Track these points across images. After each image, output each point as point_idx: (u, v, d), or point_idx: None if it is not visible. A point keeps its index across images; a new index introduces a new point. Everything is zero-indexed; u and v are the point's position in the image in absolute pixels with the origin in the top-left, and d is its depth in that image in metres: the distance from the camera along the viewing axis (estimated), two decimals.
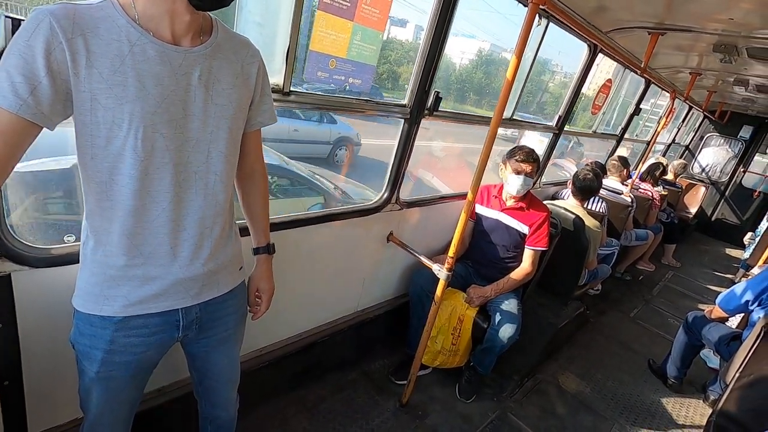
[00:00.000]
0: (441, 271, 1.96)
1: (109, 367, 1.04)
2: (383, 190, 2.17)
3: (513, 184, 2.33)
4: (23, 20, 0.90)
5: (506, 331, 2.23)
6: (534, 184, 2.42)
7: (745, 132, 7.11)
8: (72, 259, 1.18)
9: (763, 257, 4.27)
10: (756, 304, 2.34)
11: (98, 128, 0.86)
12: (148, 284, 1.02)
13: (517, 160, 2.31)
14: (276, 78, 1.42)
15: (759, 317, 2.21)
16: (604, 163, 4.30)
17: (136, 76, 0.85)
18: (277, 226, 1.71)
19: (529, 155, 2.32)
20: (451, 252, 1.89)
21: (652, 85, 4.05)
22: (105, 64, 0.83)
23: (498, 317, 2.29)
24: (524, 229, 2.41)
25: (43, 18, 0.77)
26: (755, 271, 3.15)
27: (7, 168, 0.80)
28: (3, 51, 0.78)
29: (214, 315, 1.17)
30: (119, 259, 0.98)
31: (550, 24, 2.46)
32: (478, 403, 2.46)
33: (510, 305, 2.33)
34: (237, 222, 1.22)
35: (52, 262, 1.17)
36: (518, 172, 2.31)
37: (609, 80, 3.60)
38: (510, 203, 2.44)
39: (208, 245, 1.07)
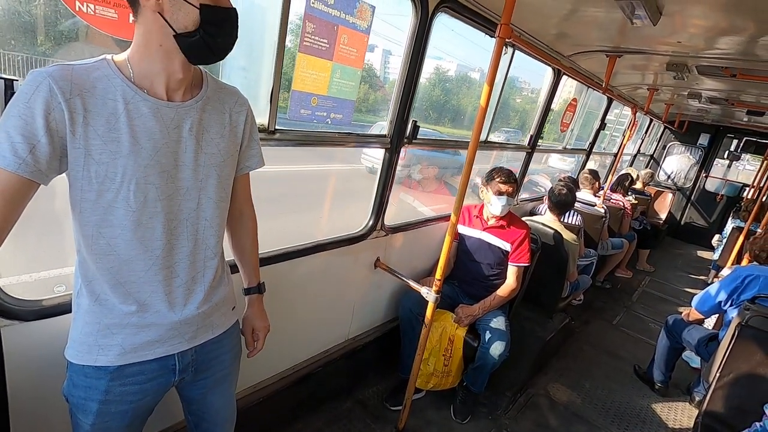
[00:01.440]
0: (429, 293, 2.00)
1: (104, 418, 1.03)
2: (368, 218, 2.22)
3: (496, 205, 2.41)
4: (16, 80, 0.93)
5: (497, 349, 2.27)
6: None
7: (703, 139, 7.54)
8: (63, 309, 1.16)
9: (731, 257, 4.48)
10: (728, 304, 2.46)
11: (90, 182, 0.88)
12: (143, 331, 1.02)
13: (498, 182, 2.40)
14: (261, 118, 1.47)
15: (732, 317, 2.32)
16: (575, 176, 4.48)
17: (130, 132, 0.89)
18: (264, 261, 1.72)
19: (509, 177, 2.42)
20: (438, 274, 1.94)
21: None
22: (101, 122, 0.86)
23: (488, 335, 2.33)
24: (506, 246, 2.48)
25: (42, 80, 0.80)
26: (725, 272, 3.30)
27: (7, 225, 0.82)
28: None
29: (210, 356, 1.18)
30: (114, 308, 0.98)
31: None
32: (473, 423, 2.47)
33: (498, 322, 2.38)
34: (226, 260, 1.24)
35: (43, 314, 1.16)
36: (500, 194, 2.40)
37: (575, 99, 3.80)
38: (491, 222, 2.52)
39: (201, 289, 1.09)
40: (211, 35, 0.88)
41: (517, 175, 2.50)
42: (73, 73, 0.84)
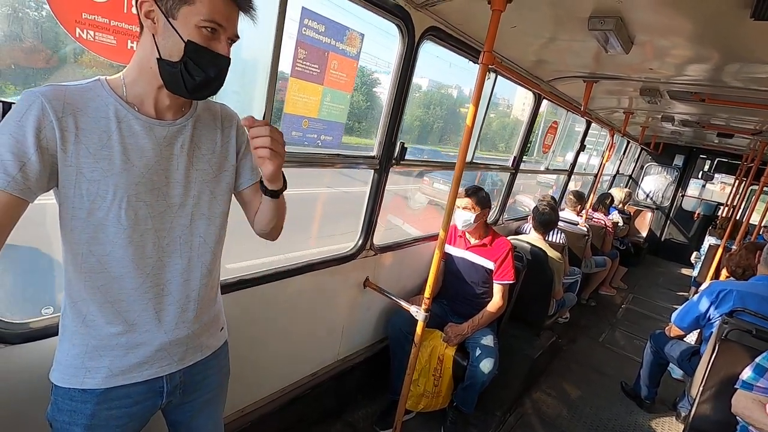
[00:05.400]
0: (419, 312, 2.01)
1: None
2: (357, 238, 2.24)
3: (456, 219, 2.47)
4: (14, 103, 0.94)
5: (486, 366, 2.28)
6: (479, 218, 2.49)
7: (678, 160, 7.85)
8: (51, 332, 1.15)
9: (709, 274, 4.61)
10: (706, 318, 2.52)
11: (81, 200, 0.89)
12: (132, 352, 1.01)
13: (458, 197, 2.41)
14: None
15: (711, 332, 2.38)
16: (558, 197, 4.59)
17: (122, 150, 0.91)
18: (252, 282, 1.73)
19: (467, 191, 2.48)
20: (428, 293, 1.96)
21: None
22: (93, 139, 0.88)
23: (477, 352, 2.34)
24: (490, 265, 2.52)
25: (35, 99, 0.82)
26: (703, 287, 3.39)
27: None
28: None
29: (198, 378, 1.16)
30: (102, 329, 0.97)
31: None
32: None
33: (487, 340, 2.40)
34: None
35: (30, 337, 1.14)
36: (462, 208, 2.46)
37: (555, 122, 3.94)
38: (473, 241, 2.56)
39: (193, 308, 1.08)
40: (189, 73, 0.89)
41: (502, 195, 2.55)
42: (66, 92, 0.86)
